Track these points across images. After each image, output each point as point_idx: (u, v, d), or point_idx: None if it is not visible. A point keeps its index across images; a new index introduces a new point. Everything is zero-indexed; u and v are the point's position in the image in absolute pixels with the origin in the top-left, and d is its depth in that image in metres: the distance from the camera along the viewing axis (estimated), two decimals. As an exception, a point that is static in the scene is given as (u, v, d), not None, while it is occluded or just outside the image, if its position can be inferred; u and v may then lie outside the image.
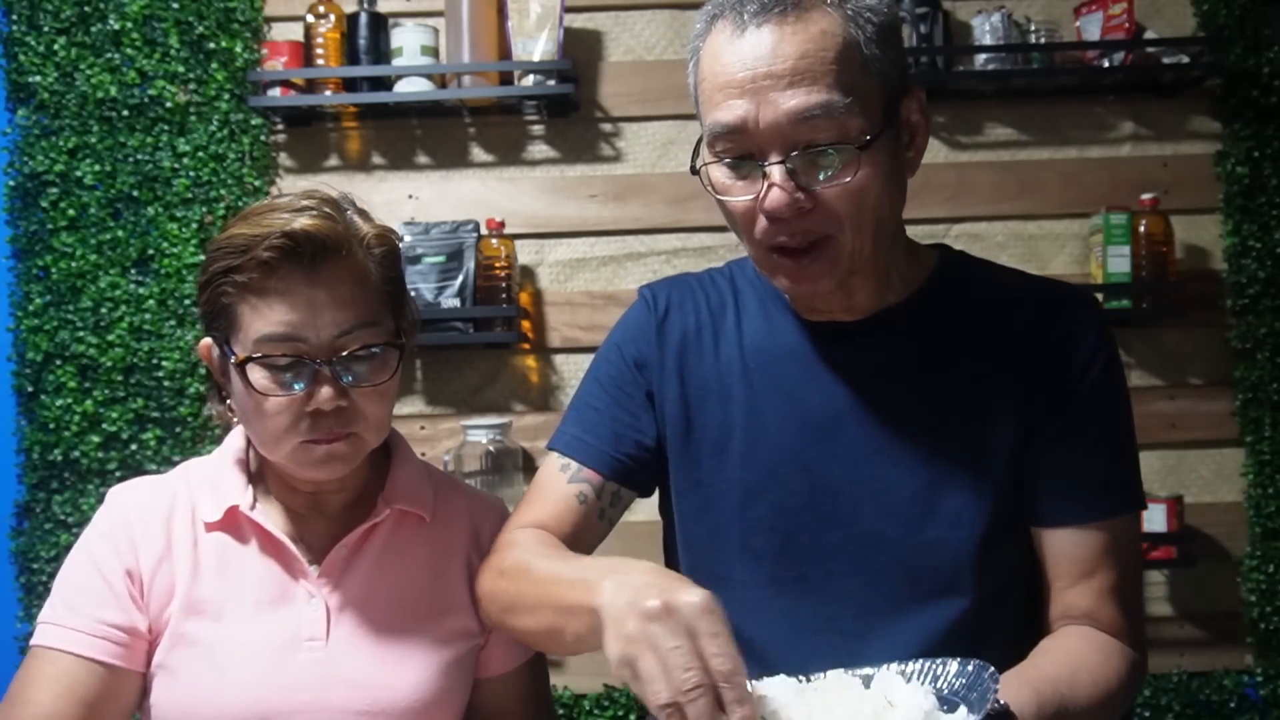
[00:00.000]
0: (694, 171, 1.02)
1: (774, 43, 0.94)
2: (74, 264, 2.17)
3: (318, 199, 1.07)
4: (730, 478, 1.08)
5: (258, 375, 1.02)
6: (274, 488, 1.13)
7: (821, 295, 1.04)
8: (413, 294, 2.06)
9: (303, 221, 1.03)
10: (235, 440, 1.16)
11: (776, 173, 0.95)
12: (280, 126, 2.23)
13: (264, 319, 1.02)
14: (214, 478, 1.12)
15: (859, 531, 1.04)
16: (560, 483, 1.11)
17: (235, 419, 1.12)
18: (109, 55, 2.19)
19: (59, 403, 2.16)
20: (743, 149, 0.97)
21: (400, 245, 1.13)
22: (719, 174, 1.00)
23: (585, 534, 1.11)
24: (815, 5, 0.96)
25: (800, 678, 0.89)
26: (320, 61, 2.16)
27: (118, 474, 2.14)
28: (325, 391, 1.02)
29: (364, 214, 1.10)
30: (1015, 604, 1.07)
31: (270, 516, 1.11)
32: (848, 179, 0.95)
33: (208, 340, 1.09)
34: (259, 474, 1.14)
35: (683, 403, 1.12)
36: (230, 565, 1.09)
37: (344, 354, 1.03)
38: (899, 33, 1.01)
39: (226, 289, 1.04)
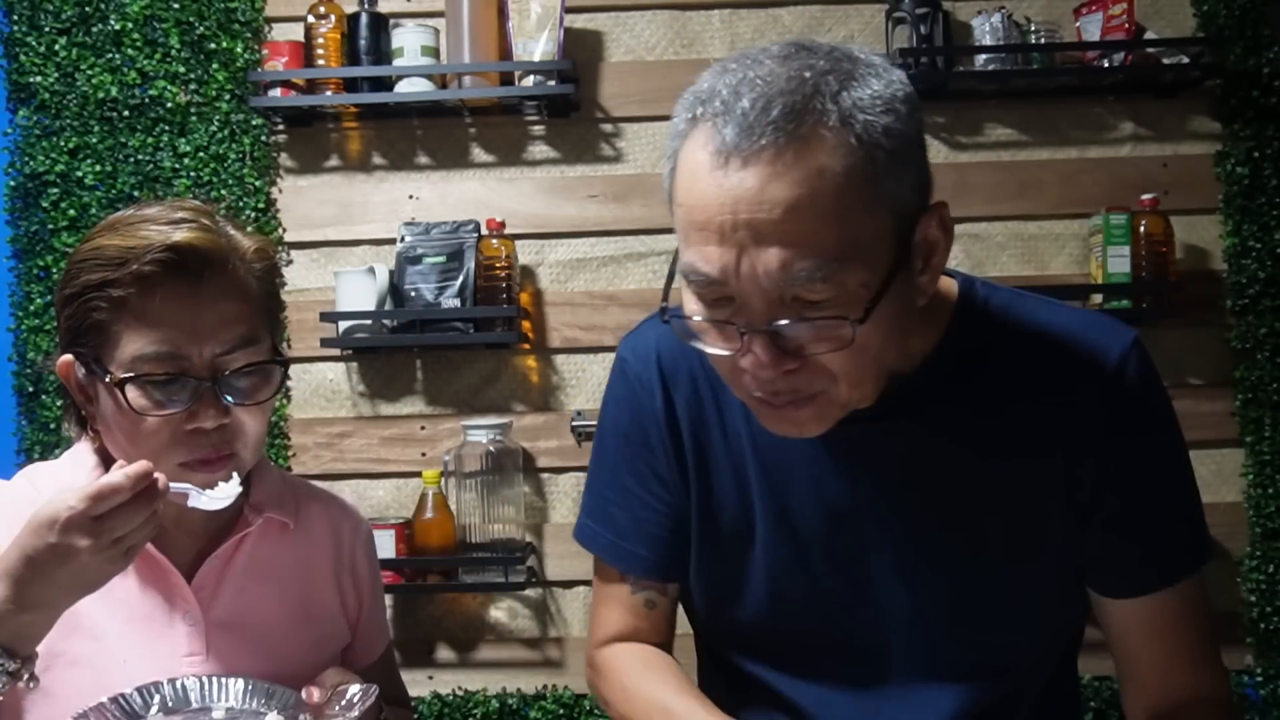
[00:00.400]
0: (665, 298, 0.90)
1: (760, 185, 0.78)
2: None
3: (192, 210, 1.03)
4: (756, 559, 1.03)
5: (135, 395, 0.98)
6: None
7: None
8: (413, 294, 2.09)
9: (183, 234, 0.98)
10: (85, 457, 1.10)
11: (758, 342, 0.83)
12: (281, 127, 2.23)
13: (143, 336, 0.98)
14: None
15: (893, 617, 1.00)
16: (624, 593, 1.10)
17: (93, 439, 1.08)
18: (110, 55, 2.19)
19: (59, 403, 2.16)
20: (721, 294, 0.84)
21: (276, 258, 1.09)
22: (693, 307, 0.87)
23: (667, 629, 1.11)
24: (816, 130, 0.79)
25: None
26: (321, 62, 2.16)
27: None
28: (208, 410, 0.99)
29: (238, 225, 1.07)
30: (1054, 675, 1.05)
31: None
32: (842, 346, 0.82)
33: (68, 357, 1.03)
34: None
35: (700, 477, 1.05)
36: None
37: (227, 372, 1.00)
38: (920, 146, 0.85)
39: (99, 304, 0.98)
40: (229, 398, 1.00)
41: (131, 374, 0.98)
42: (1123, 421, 0.95)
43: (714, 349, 0.87)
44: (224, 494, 1.02)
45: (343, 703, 1.02)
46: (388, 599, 2.17)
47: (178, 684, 1.03)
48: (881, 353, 0.86)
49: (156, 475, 0.91)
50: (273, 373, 1.04)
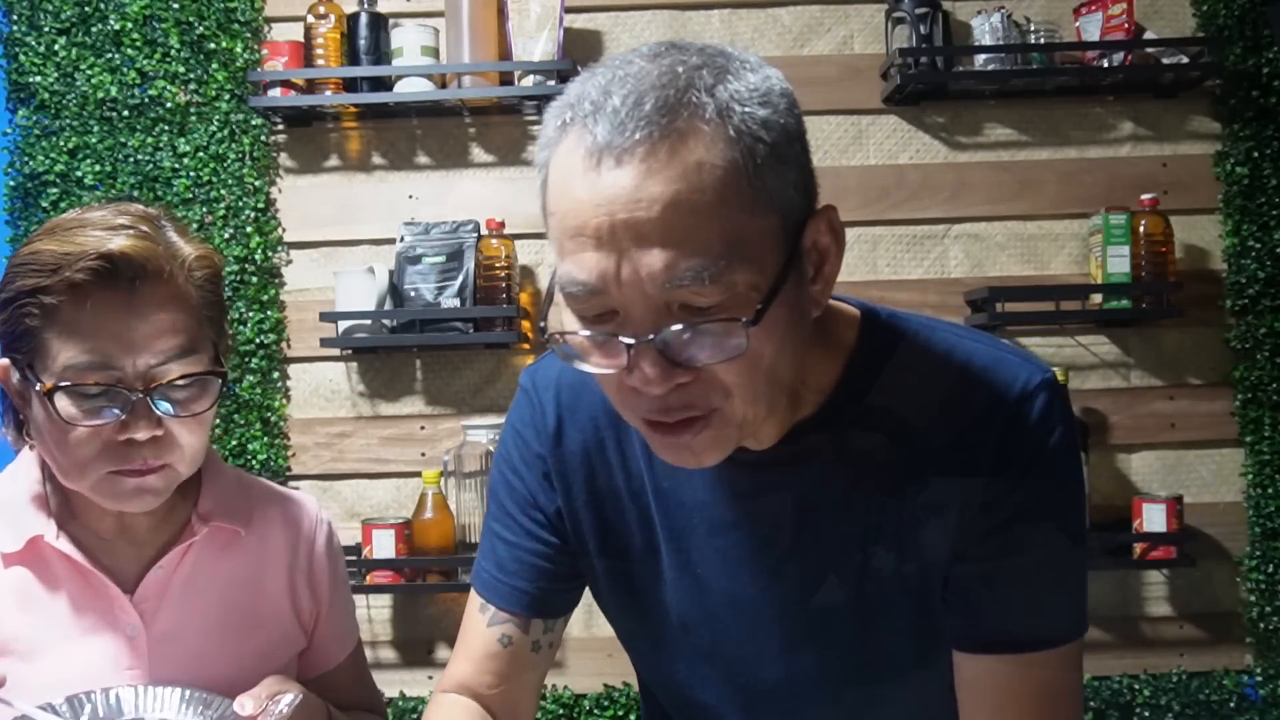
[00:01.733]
0: (543, 318, 0.85)
1: (636, 183, 0.73)
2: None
3: (134, 215, 1.00)
4: (666, 601, 0.99)
5: (65, 404, 0.95)
6: (79, 514, 1.06)
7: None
8: (412, 294, 2.09)
9: (119, 241, 0.96)
10: (27, 469, 1.07)
11: (645, 356, 0.77)
12: (280, 126, 2.23)
13: (74, 346, 0.95)
14: (6, 506, 1.05)
15: (798, 663, 0.96)
16: (480, 626, 1.02)
17: (30, 445, 1.05)
18: (109, 55, 2.19)
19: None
20: (603, 307, 0.78)
21: (221, 265, 1.06)
22: (573, 324, 0.80)
23: (519, 671, 1.02)
24: (692, 124, 0.74)
25: None
26: (320, 62, 2.16)
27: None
28: (140, 422, 0.96)
29: (183, 231, 1.03)
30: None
31: (76, 545, 1.04)
32: (734, 354, 0.77)
33: (4, 362, 1.00)
34: (62, 502, 1.06)
35: (599, 519, 0.99)
36: (36, 600, 1.02)
37: (161, 383, 0.97)
38: (801, 144, 0.81)
39: (31, 310, 0.96)
40: (166, 409, 0.97)
41: (62, 383, 0.95)
42: (1008, 469, 0.87)
43: (598, 368, 0.80)
44: None
45: (276, 711, 1.00)
46: (387, 599, 2.18)
47: (111, 694, 1.00)
48: (775, 366, 0.80)
49: None
50: (210, 384, 1.01)
